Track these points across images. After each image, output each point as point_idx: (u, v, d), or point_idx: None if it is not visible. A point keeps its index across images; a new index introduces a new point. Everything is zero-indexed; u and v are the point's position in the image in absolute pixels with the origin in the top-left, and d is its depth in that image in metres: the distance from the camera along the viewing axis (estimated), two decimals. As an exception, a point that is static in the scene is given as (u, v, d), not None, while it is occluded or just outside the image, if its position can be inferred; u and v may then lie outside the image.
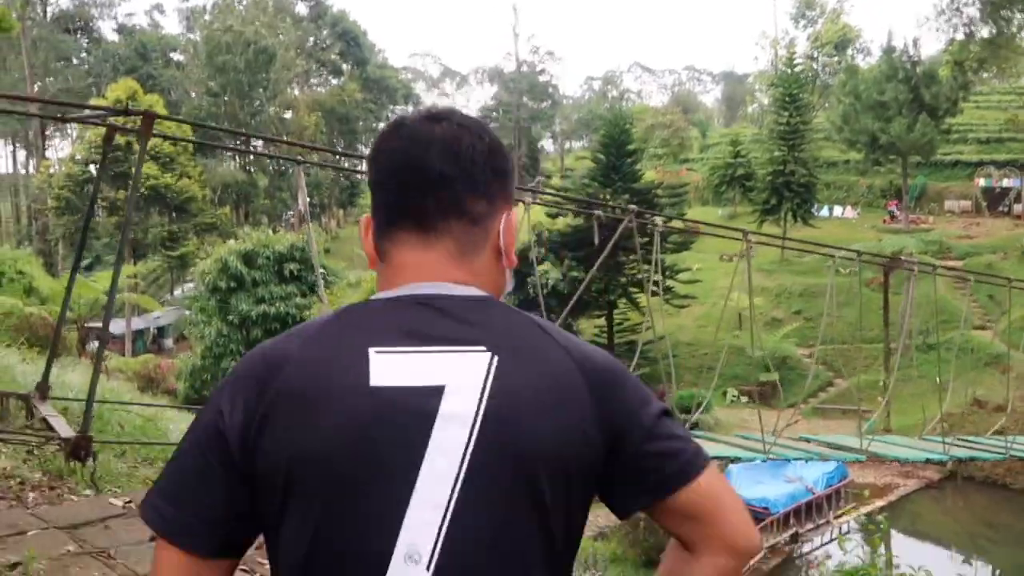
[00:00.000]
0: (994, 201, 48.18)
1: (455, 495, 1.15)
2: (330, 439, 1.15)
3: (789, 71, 49.88)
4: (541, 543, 1.19)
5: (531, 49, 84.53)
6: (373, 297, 1.29)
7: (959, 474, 27.15)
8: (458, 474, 1.15)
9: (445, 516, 1.14)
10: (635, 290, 37.17)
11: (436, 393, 1.17)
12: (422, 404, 1.17)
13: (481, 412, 1.17)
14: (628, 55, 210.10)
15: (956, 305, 37.40)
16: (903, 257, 29.30)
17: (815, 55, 69.64)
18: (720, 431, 27.93)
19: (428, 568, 1.14)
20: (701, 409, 25.91)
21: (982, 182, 49.01)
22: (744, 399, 34.13)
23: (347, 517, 1.15)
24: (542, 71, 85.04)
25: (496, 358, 1.19)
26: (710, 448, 5.48)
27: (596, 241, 5.95)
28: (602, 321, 38.45)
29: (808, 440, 6.52)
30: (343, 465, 1.15)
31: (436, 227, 1.28)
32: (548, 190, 37.67)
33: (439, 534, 1.14)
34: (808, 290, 40.53)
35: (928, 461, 7.24)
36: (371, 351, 1.18)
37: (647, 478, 1.26)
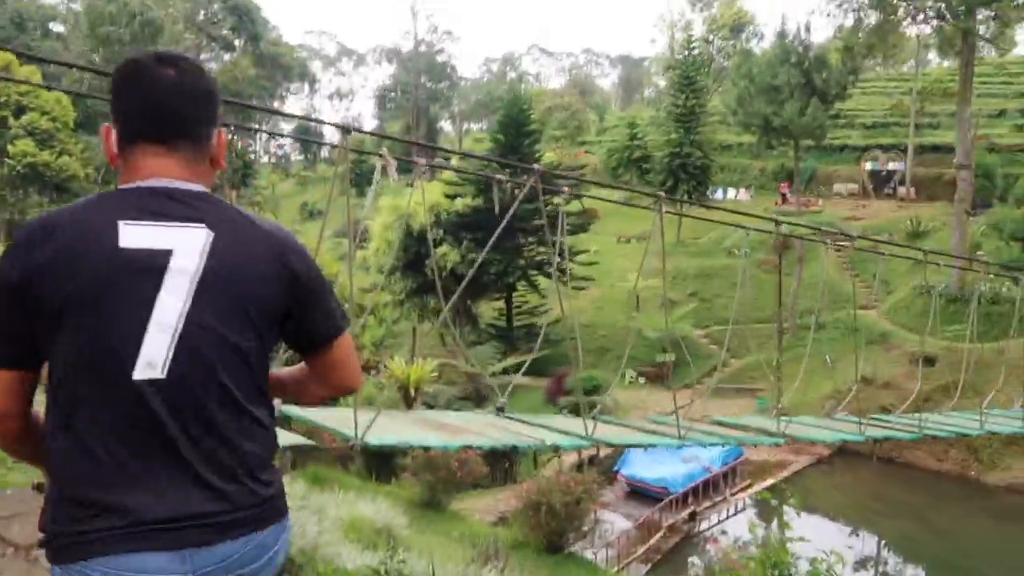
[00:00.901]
0: (880, 184, 49.73)
1: (180, 323, 1.67)
2: (90, 283, 1.63)
3: (686, 54, 50.46)
4: (243, 358, 1.74)
5: (430, 28, 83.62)
6: (121, 187, 1.77)
7: (846, 449, 27.83)
8: (182, 309, 1.67)
9: (173, 337, 1.66)
10: (534, 272, 37.06)
11: (168, 254, 1.68)
12: (157, 261, 1.67)
13: (202, 267, 1.69)
14: (527, 37, 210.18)
15: (844, 286, 38.46)
16: (796, 236, 29.81)
17: (711, 39, 70.79)
18: (620, 413, 28.02)
19: (162, 372, 1.65)
20: (609, 391, 26.07)
21: (869, 165, 50.53)
22: (642, 380, 34.43)
23: (103, 337, 1.64)
24: (440, 51, 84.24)
25: (213, 233, 1.72)
26: (623, 437, 5.17)
27: (496, 209, 5.58)
28: (501, 304, 38.24)
29: (722, 424, 6.23)
30: (99, 302, 1.63)
31: (171, 143, 1.78)
32: (449, 163, 37.15)
33: (169, 349, 1.66)
34: (703, 272, 41.11)
35: (844, 442, 7.14)
36: (120, 223, 1.67)
37: (314, 329, 1.90)
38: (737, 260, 41.09)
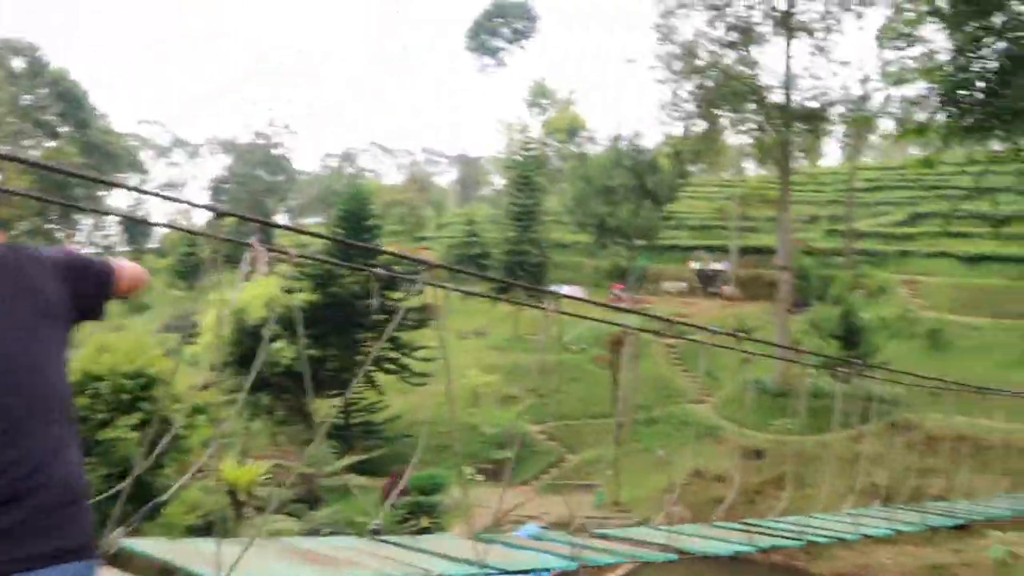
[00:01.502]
0: (706, 283, 51.88)
1: None
2: None
3: (524, 155, 51.75)
4: (53, 351, 2.11)
5: (267, 121, 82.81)
6: None
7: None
8: None
9: None
10: (373, 368, 36.24)
11: None
12: None
13: (13, 283, 2.06)
14: (366, 134, 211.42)
15: (677, 381, 39.51)
16: (630, 332, 30.40)
17: (548, 141, 73.11)
18: (458, 513, 27.35)
19: None
20: (447, 490, 25.37)
21: (695, 265, 52.70)
22: (481, 477, 33.91)
23: None
24: (277, 144, 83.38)
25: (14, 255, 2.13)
26: (516, 561, 4.67)
27: (374, 304, 5.16)
28: (339, 401, 37.06)
29: (610, 538, 5.85)
30: None
31: None
32: (298, 253, 36.06)
33: None
34: (542, 367, 41.32)
35: (737, 554, 6.92)
36: None
37: (97, 294, 2.40)
38: (573, 355, 41.65)
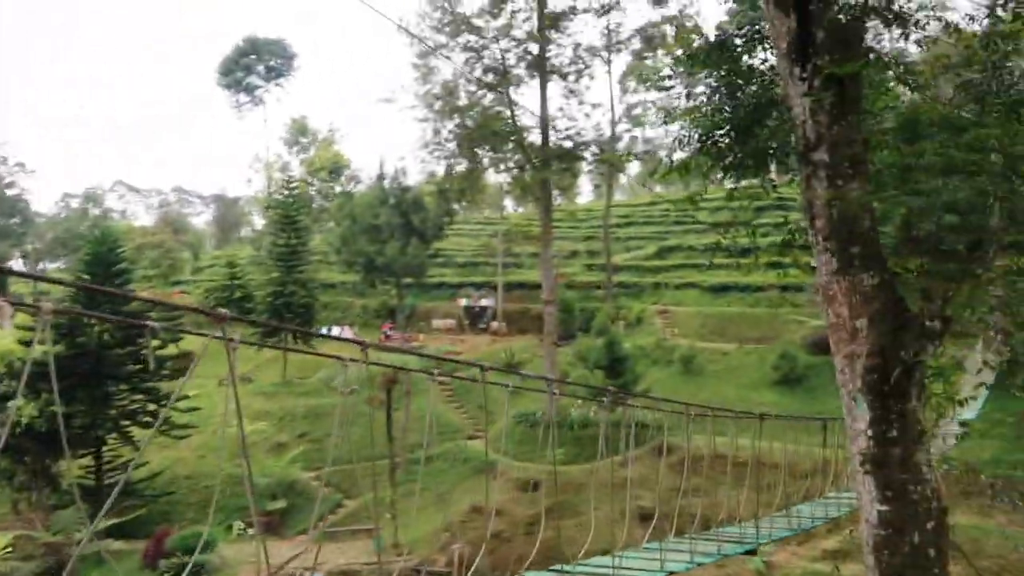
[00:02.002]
0: (474, 319, 52.60)
1: None
2: None
3: (286, 194, 50.48)
4: None
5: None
6: None
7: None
8: None
9: None
10: (127, 423, 33.83)
11: None
12: None
13: None
14: (111, 173, 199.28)
15: (451, 417, 39.58)
16: (402, 371, 30.08)
17: (311, 180, 71.82)
18: (227, 572, 25.90)
19: None
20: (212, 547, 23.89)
21: (463, 302, 53.34)
22: (251, 531, 32.37)
23: None
24: (11, 184, 77.04)
25: None
26: None
27: (151, 361, 4.64)
28: (89, 460, 34.25)
29: None
30: None
31: None
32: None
33: None
34: (312, 411, 40.21)
35: None
36: None
37: None
38: (347, 399, 40.71)
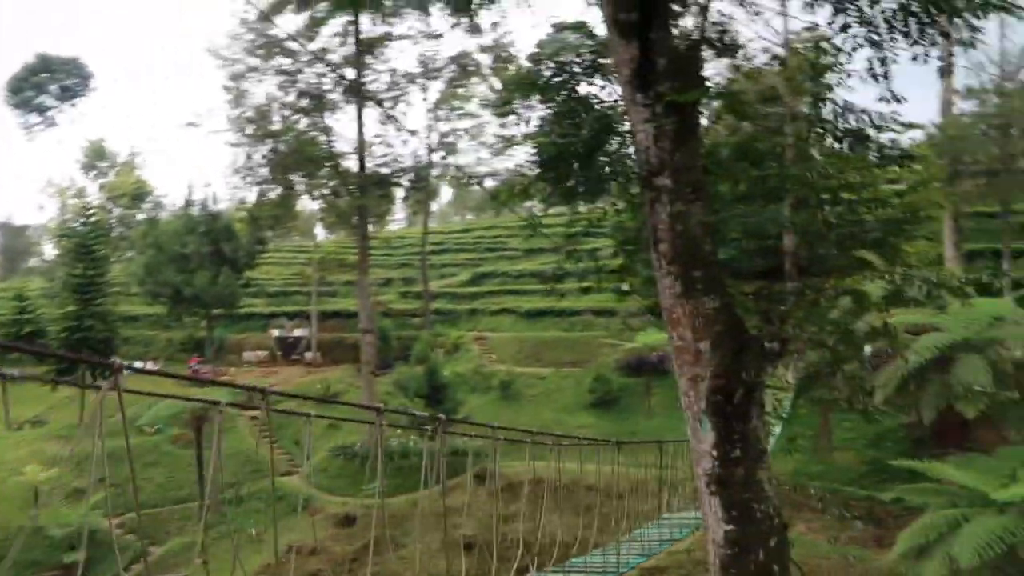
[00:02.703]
0: (288, 350, 51.05)
1: None
2: None
3: (82, 222, 47.43)
4: None
5: None
6: None
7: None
8: None
9: None
10: None
11: None
12: None
13: None
14: None
15: (264, 454, 38.09)
16: (217, 406, 28.75)
17: (110, 206, 67.77)
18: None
19: None
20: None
21: (276, 332, 51.69)
22: (47, 587, 29.90)
23: None
24: None
25: None
26: None
27: None
28: None
29: None
30: None
31: None
32: None
33: None
34: (113, 454, 37.60)
35: None
36: None
37: None
38: (148, 438, 38.63)
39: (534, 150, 8.50)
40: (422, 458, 32.70)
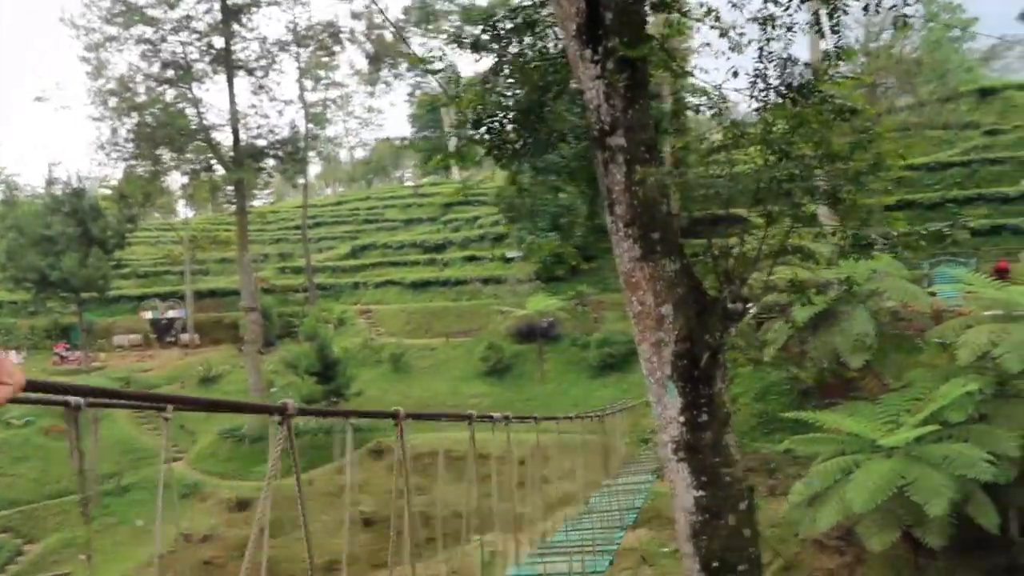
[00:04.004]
0: (162, 332, 48.98)
1: None
2: None
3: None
4: None
5: None
6: None
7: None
8: None
9: None
10: None
11: None
12: None
13: None
14: None
15: (146, 441, 36.54)
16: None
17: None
18: None
19: None
20: None
21: (149, 315, 49.49)
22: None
23: None
24: None
25: None
26: None
27: None
28: None
29: None
30: None
31: None
32: None
33: None
34: (-20, 450, 35.49)
35: None
36: None
37: None
38: (17, 431, 36.54)
39: (466, 111, 8.08)
40: (316, 436, 31.95)
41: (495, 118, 7.78)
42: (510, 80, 7.91)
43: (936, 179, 40.55)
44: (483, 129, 7.84)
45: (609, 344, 35.36)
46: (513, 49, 8.18)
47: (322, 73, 49.76)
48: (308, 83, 48.43)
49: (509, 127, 7.75)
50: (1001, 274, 31.01)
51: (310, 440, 31.70)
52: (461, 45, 8.25)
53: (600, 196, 7.11)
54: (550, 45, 8.13)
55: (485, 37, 8.13)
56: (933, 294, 31.17)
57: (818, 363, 26.46)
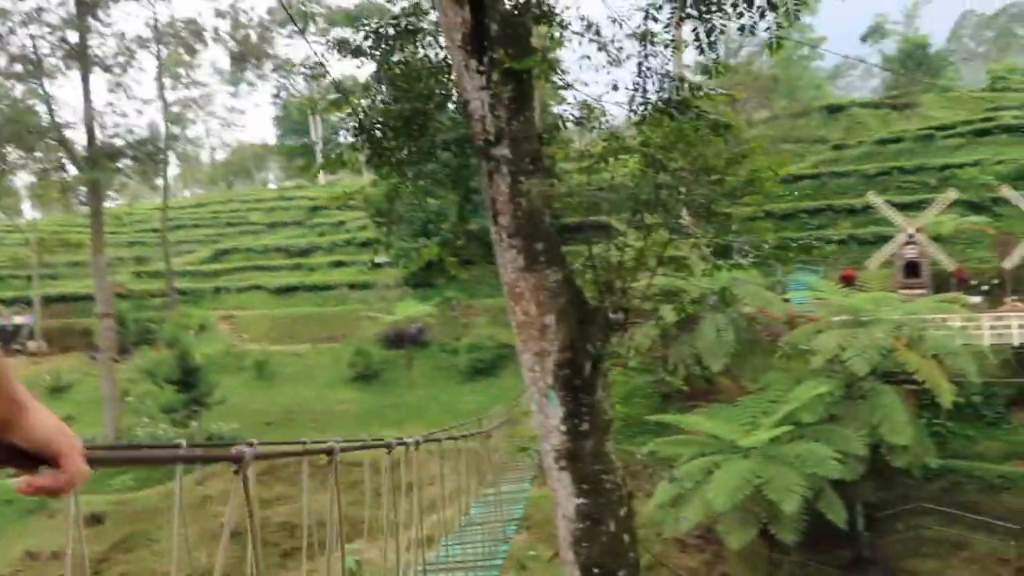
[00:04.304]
0: (7, 339, 46.28)
1: None
2: None
3: None
4: None
5: None
6: None
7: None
8: None
9: None
10: None
11: None
12: None
13: None
14: None
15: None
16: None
17: None
18: None
19: None
20: None
21: (-6, 320, 46.78)
22: None
23: None
24: None
25: None
26: None
27: None
28: None
29: None
30: None
31: None
32: None
33: None
34: None
35: None
36: None
37: None
38: None
39: (347, 117, 7.98)
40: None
41: (376, 126, 7.72)
42: (393, 88, 7.86)
43: (789, 190, 42.50)
44: (363, 137, 7.76)
45: (479, 349, 35.51)
46: (395, 57, 8.13)
47: (183, 72, 48.24)
48: (168, 82, 46.86)
49: (391, 135, 7.70)
50: (848, 282, 32.79)
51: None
52: (341, 51, 8.14)
53: (472, 204, 7.16)
54: (432, 54, 8.13)
55: (367, 43, 8.05)
56: (787, 300, 32.63)
57: (681, 367, 27.31)
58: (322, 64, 8.22)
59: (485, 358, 35.18)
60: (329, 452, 4.97)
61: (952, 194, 37.85)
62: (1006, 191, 37.45)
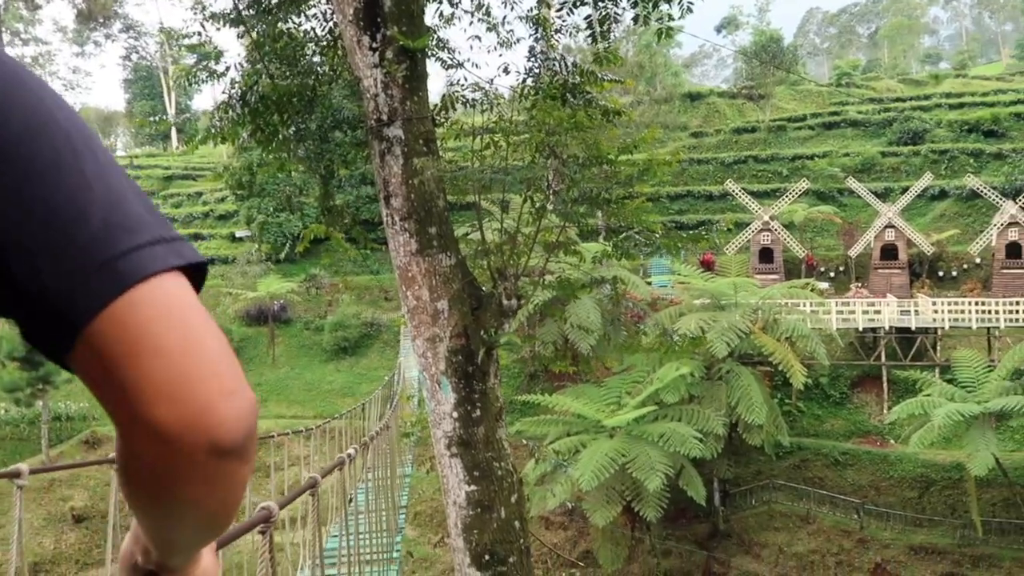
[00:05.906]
0: None
1: None
2: None
3: None
4: None
5: None
6: None
7: None
8: None
9: None
10: None
11: None
12: None
13: None
14: None
15: None
16: None
17: None
18: None
19: None
20: None
21: None
22: None
23: None
24: None
25: None
26: None
27: None
28: None
29: None
30: None
31: None
32: None
33: None
34: None
35: None
36: None
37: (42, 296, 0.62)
38: None
39: (234, 89, 7.60)
40: (18, 427, 29.23)
41: (260, 100, 7.37)
42: (277, 61, 7.51)
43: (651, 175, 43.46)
44: (246, 111, 7.40)
45: (344, 328, 34.94)
46: (280, 27, 7.78)
47: (21, 28, 45.33)
48: (7, 37, 43.90)
49: (274, 110, 7.37)
50: (707, 266, 33.87)
51: (11, 431, 28.94)
52: (217, 19, 7.73)
53: (337, 180, 6.94)
54: (318, 27, 7.82)
55: (249, 12, 7.67)
56: (650, 283, 33.43)
57: (550, 347, 27.58)
58: (200, 32, 7.77)
59: (350, 336, 34.66)
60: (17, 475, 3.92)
61: (804, 184, 39.59)
62: (852, 183, 39.47)
